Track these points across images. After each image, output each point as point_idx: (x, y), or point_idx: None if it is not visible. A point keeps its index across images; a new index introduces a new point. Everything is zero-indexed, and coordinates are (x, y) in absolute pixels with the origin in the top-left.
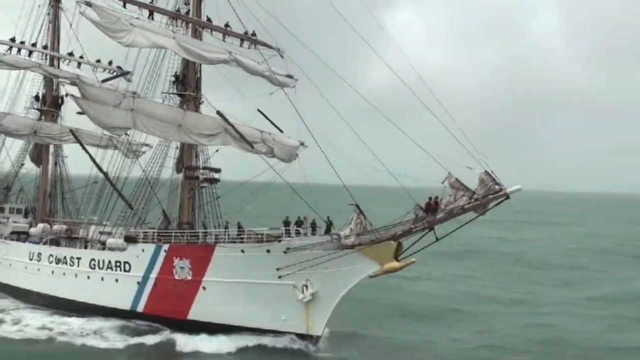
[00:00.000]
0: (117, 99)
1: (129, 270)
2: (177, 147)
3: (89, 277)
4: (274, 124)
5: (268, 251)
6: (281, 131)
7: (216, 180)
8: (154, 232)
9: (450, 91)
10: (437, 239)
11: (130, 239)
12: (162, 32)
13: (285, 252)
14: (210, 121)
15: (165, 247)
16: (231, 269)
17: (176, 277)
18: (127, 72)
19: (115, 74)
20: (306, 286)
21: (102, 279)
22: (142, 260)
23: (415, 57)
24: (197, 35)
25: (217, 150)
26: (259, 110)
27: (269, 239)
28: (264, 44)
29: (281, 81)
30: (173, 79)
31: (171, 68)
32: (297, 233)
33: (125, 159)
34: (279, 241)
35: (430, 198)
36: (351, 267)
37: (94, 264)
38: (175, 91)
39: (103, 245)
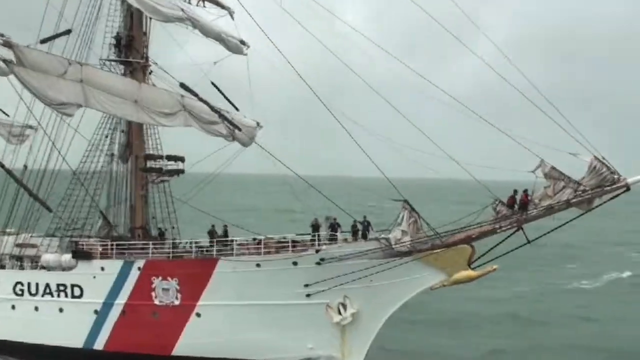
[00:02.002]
0: (62, 67)
1: (80, 296)
2: (122, 131)
3: (13, 307)
4: (229, 101)
5: (295, 263)
6: (237, 109)
7: (180, 172)
8: (118, 244)
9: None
10: (529, 241)
11: (81, 254)
12: None
13: (318, 263)
14: (167, 97)
15: (140, 263)
16: (239, 288)
17: (156, 302)
18: (69, 31)
19: None
20: (344, 305)
21: (37, 308)
22: (102, 282)
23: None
24: None
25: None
26: (212, 84)
27: (299, 248)
28: (215, 2)
29: (238, 46)
30: (114, 41)
31: (110, 27)
32: (332, 239)
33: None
34: (317, 250)
35: (515, 191)
36: (406, 278)
37: (21, 289)
38: (117, 57)
39: (20, 263)
